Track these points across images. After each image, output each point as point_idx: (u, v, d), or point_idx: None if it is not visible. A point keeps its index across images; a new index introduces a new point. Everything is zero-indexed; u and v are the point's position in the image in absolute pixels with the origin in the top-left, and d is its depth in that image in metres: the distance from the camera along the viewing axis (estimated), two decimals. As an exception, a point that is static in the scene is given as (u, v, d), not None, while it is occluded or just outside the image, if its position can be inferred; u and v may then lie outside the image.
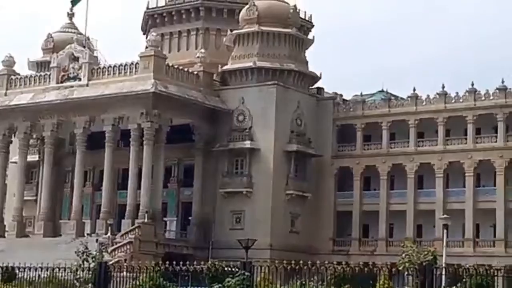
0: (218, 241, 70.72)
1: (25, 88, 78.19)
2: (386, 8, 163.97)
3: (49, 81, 76.70)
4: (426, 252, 34.05)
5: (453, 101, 72.94)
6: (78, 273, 37.95)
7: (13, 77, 79.47)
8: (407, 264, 30.96)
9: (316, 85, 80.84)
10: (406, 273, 32.51)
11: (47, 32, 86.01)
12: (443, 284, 32.27)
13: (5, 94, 78.16)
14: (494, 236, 69.45)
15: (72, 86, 74.63)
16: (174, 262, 35.95)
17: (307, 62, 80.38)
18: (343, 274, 36.34)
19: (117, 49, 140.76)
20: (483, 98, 71.45)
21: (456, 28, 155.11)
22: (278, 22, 78.40)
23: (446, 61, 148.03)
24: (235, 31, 79.05)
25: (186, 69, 76.43)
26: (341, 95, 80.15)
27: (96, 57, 77.70)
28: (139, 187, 70.76)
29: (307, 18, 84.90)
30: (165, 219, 74.51)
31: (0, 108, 77.53)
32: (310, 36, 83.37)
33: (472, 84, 72.23)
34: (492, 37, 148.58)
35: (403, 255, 38.09)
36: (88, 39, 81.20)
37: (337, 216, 76.44)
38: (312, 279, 34.24)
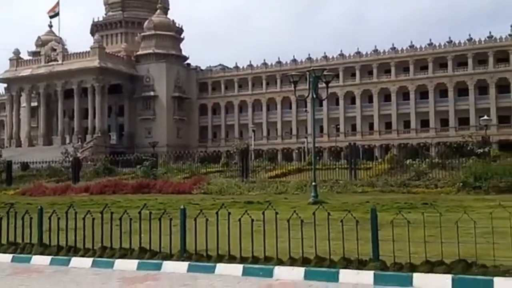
0: (139, 144, 69.57)
1: (27, 66, 73.63)
2: (233, 14, 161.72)
3: (40, 62, 72.49)
4: (244, 144, 35.06)
5: (256, 69, 73.97)
6: (63, 164, 37.01)
7: (19, 60, 74.73)
8: (235, 150, 31.84)
9: (187, 62, 79.41)
10: (235, 154, 33.38)
11: (37, 35, 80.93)
12: (252, 158, 33.64)
13: (15, 70, 73.41)
14: (277, 134, 71.76)
15: (53, 65, 70.92)
16: (116, 156, 35.58)
17: (181, 50, 78.94)
18: (204, 156, 37.11)
19: (78, 43, 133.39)
20: (269, 68, 72.99)
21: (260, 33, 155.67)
22: (164, 28, 76.45)
23: (260, 49, 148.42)
24: (142, 33, 76.28)
25: (116, 54, 73.97)
26: (199, 67, 79.30)
27: (66, 48, 73.68)
28: (94, 117, 68.81)
29: (180, 27, 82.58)
30: (109, 133, 72.60)
31: (13, 77, 72.89)
32: (182, 36, 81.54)
33: (280, 61, 73.47)
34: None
35: (233, 146, 39.12)
36: (61, 38, 76.72)
37: (200, 128, 76.70)
38: (189, 160, 34.72)
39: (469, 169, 21.09)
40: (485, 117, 46.35)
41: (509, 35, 59.90)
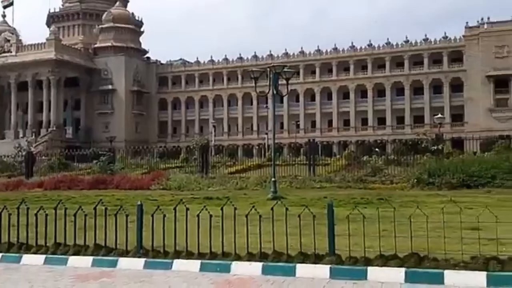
0: (96, 138, 68.20)
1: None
2: (195, 8, 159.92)
3: (-8, 53, 70.06)
4: (204, 139, 34.84)
5: (217, 64, 73.74)
6: (16, 158, 35.84)
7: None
8: (195, 145, 31.60)
9: (146, 55, 78.08)
10: (195, 150, 33.10)
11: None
12: (212, 153, 33.49)
13: (-33, 61, 70.64)
14: (237, 130, 71.83)
15: (6, 56, 68.53)
16: (72, 150, 34.73)
17: (140, 43, 77.70)
18: (163, 152, 36.71)
19: (33, 34, 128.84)
20: (230, 64, 72.86)
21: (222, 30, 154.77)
22: (123, 21, 75.06)
23: (221, 44, 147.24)
24: (100, 26, 74.74)
25: (73, 46, 72.31)
26: (160, 61, 78.22)
27: (21, 39, 71.44)
28: (49, 111, 67.00)
29: (140, 20, 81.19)
30: (65, 127, 70.70)
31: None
32: (142, 29, 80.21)
33: (241, 57, 73.22)
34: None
35: (193, 141, 38.70)
36: (15, 29, 74.13)
37: (159, 123, 75.91)
38: (147, 155, 34.27)
39: (423, 165, 21.73)
40: (439, 115, 47.86)
41: (463, 36, 61.94)
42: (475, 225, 6.76)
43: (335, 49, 68.03)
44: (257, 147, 55.43)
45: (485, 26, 59.93)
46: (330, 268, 6.03)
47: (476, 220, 6.17)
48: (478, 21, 60.88)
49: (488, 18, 60.15)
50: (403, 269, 5.76)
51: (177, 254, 6.81)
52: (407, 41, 65.10)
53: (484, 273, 5.50)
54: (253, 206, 6.72)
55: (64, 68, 68.09)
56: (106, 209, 7.34)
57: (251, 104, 70.43)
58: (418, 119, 62.95)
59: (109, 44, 72.84)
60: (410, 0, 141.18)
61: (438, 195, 15.63)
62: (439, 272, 5.63)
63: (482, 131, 51.56)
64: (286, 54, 69.72)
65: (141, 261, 6.90)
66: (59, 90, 67.82)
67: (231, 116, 71.94)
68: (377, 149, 29.50)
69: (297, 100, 68.77)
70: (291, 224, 6.52)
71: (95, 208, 7.29)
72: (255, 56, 71.25)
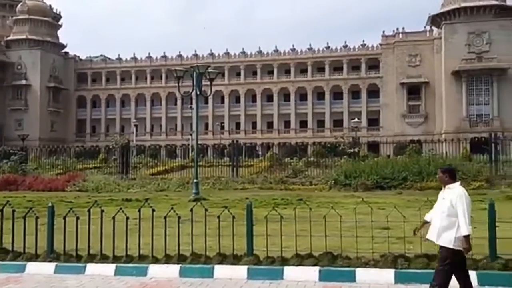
0: (8, 136, 64.09)
1: None
2: (118, 3, 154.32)
3: None
4: (125, 139, 33.86)
5: (140, 62, 71.90)
6: None
7: None
8: (115, 145, 30.67)
9: (64, 50, 74.66)
10: (114, 150, 32.12)
11: None
12: (133, 154, 32.60)
13: None
14: (161, 130, 70.55)
15: None
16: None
17: (58, 37, 74.09)
18: (81, 151, 35.28)
19: None
20: (153, 62, 71.48)
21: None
22: (40, 13, 71.27)
23: (145, 42, 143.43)
24: (14, 17, 70.56)
25: (-17, 38, 67.62)
26: (79, 56, 75.04)
27: None
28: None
29: (58, 12, 77.50)
30: (-27, 124, 66.06)
31: None
32: (60, 22, 76.57)
33: (165, 55, 71.72)
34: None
35: (113, 141, 37.63)
36: None
37: (77, 122, 72.86)
38: (64, 155, 32.81)
39: (340, 167, 22.53)
40: (356, 119, 49.93)
41: (380, 44, 65.09)
42: (385, 225, 7.12)
43: (260, 52, 68.88)
44: (180, 148, 54.80)
45: (400, 35, 63.36)
46: (248, 268, 6.09)
47: (386, 220, 6.49)
48: (393, 31, 64.27)
49: (403, 28, 63.64)
50: (317, 268, 5.94)
51: (91, 258, 6.58)
52: (328, 47, 67.32)
53: (393, 270, 5.80)
54: (172, 208, 6.63)
55: (-28, 61, 63.50)
56: (14, 211, 6.93)
57: (175, 104, 69.50)
58: (338, 123, 65.26)
59: (24, 36, 68.97)
60: (332, 6, 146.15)
61: (354, 196, 16.28)
62: (351, 270, 5.86)
63: (396, 135, 54.49)
64: (212, 54, 69.58)
65: (51, 265, 6.59)
66: (-34, 84, 63.16)
67: (154, 115, 70.51)
68: (290, 156, 30.22)
69: (222, 102, 68.80)
70: (211, 225, 6.51)
71: (1, 210, 6.86)
72: (180, 56, 70.44)
